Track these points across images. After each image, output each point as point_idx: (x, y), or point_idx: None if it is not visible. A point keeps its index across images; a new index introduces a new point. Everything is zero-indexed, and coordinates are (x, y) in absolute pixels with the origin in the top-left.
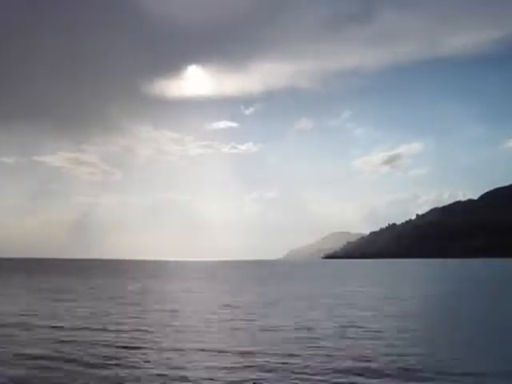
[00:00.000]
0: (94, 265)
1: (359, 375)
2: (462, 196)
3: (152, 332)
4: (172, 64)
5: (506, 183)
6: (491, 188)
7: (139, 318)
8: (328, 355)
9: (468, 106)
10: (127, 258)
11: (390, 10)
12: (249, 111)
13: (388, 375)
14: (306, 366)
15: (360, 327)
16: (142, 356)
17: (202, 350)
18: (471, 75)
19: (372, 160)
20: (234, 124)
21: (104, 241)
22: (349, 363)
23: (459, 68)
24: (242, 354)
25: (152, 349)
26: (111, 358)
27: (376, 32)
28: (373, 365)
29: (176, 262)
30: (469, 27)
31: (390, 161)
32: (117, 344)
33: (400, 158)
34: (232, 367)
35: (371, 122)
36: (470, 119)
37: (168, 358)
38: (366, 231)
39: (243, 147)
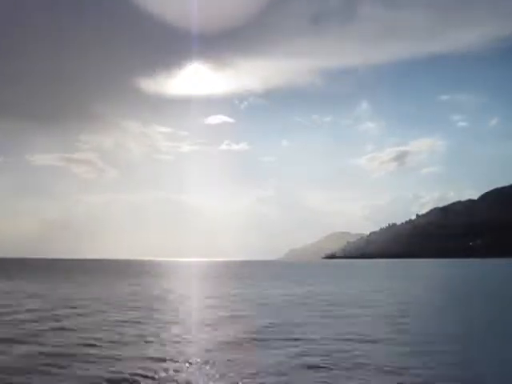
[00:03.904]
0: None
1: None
2: (468, 195)
3: None
4: (168, 62)
5: (506, 183)
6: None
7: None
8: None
9: (480, 101)
10: (123, 258)
11: (397, 6)
12: (246, 109)
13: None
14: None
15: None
16: None
17: None
18: (481, 72)
19: (376, 159)
20: (230, 120)
21: (99, 240)
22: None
23: (467, 64)
24: None
25: None
26: None
27: (382, 27)
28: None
29: (174, 262)
30: (479, 23)
31: (397, 159)
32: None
33: (407, 155)
34: None
35: (375, 120)
36: (482, 115)
37: None
38: (367, 231)
39: (240, 145)
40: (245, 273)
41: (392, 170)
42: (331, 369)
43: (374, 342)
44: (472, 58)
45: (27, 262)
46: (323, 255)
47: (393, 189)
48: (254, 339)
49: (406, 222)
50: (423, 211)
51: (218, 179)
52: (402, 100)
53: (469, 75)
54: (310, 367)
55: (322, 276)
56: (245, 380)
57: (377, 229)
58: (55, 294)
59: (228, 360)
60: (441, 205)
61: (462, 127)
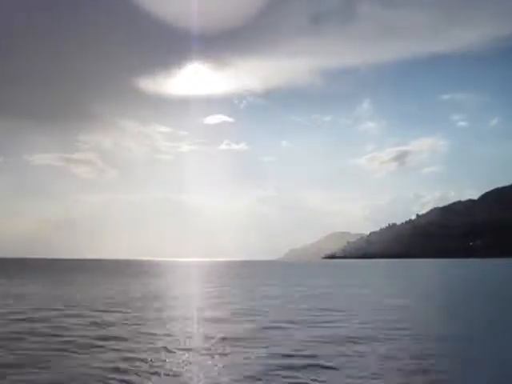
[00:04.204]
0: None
1: None
2: (469, 195)
3: None
4: (167, 61)
5: (506, 183)
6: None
7: None
8: None
9: (481, 101)
10: (123, 258)
11: (397, 5)
12: (246, 109)
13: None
14: None
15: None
16: None
17: None
18: (482, 71)
19: (376, 159)
20: (230, 120)
21: (98, 240)
22: None
23: (468, 64)
24: None
25: None
26: None
27: (382, 27)
28: None
29: (174, 262)
30: (480, 22)
31: (397, 159)
32: None
33: (408, 155)
34: None
35: (376, 119)
36: (483, 115)
37: None
38: (367, 231)
39: (240, 145)
40: (245, 273)
41: (392, 170)
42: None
43: (374, 342)
44: (473, 57)
45: (27, 261)
46: (323, 255)
47: (393, 189)
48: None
49: (406, 222)
50: (423, 211)
51: (218, 179)
52: (402, 100)
53: (470, 75)
54: None
55: (321, 276)
56: None
57: (377, 229)
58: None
59: None
60: (442, 205)
61: (463, 127)
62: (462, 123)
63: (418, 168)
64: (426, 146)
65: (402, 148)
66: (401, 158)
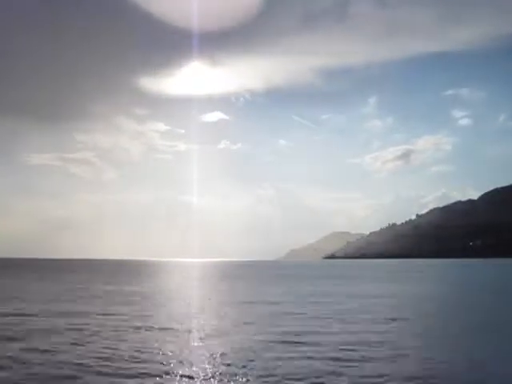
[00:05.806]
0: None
1: None
2: (469, 195)
3: None
4: (167, 60)
5: (506, 183)
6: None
7: None
8: None
9: (486, 98)
10: (120, 258)
11: (399, 3)
12: (246, 108)
13: None
14: None
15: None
16: None
17: None
18: (487, 69)
19: (378, 158)
20: (230, 119)
21: (96, 240)
22: None
23: (473, 61)
24: None
25: None
26: None
27: (383, 25)
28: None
29: (173, 262)
30: (484, 20)
31: (400, 158)
32: None
33: (411, 154)
34: None
35: (379, 118)
36: (488, 113)
37: None
38: (367, 231)
39: (240, 144)
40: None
41: (395, 169)
42: None
43: (370, 344)
44: (476, 55)
45: (22, 262)
46: (323, 255)
47: (395, 188)
48: None
49: (406, 222)
50: (424, 211)
51: (218, 178)
52: (406, 98)
53: (474, 72)
54: None
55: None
56: None
57: (377, 229)
58: None
59: None
60: (442, 205)
61: (468, 125)
62: (467, 121)
63: (421, 167)
64: (429, 144)
65: (405, 147)
66: (404, 157)
